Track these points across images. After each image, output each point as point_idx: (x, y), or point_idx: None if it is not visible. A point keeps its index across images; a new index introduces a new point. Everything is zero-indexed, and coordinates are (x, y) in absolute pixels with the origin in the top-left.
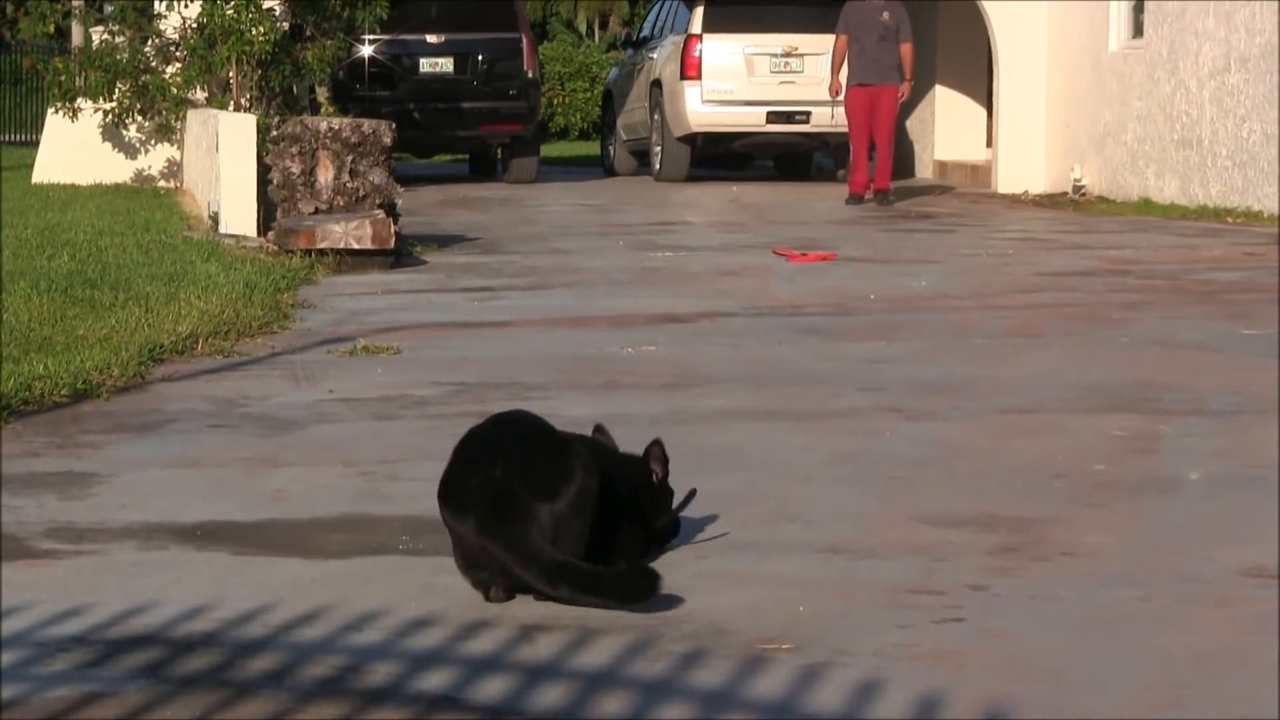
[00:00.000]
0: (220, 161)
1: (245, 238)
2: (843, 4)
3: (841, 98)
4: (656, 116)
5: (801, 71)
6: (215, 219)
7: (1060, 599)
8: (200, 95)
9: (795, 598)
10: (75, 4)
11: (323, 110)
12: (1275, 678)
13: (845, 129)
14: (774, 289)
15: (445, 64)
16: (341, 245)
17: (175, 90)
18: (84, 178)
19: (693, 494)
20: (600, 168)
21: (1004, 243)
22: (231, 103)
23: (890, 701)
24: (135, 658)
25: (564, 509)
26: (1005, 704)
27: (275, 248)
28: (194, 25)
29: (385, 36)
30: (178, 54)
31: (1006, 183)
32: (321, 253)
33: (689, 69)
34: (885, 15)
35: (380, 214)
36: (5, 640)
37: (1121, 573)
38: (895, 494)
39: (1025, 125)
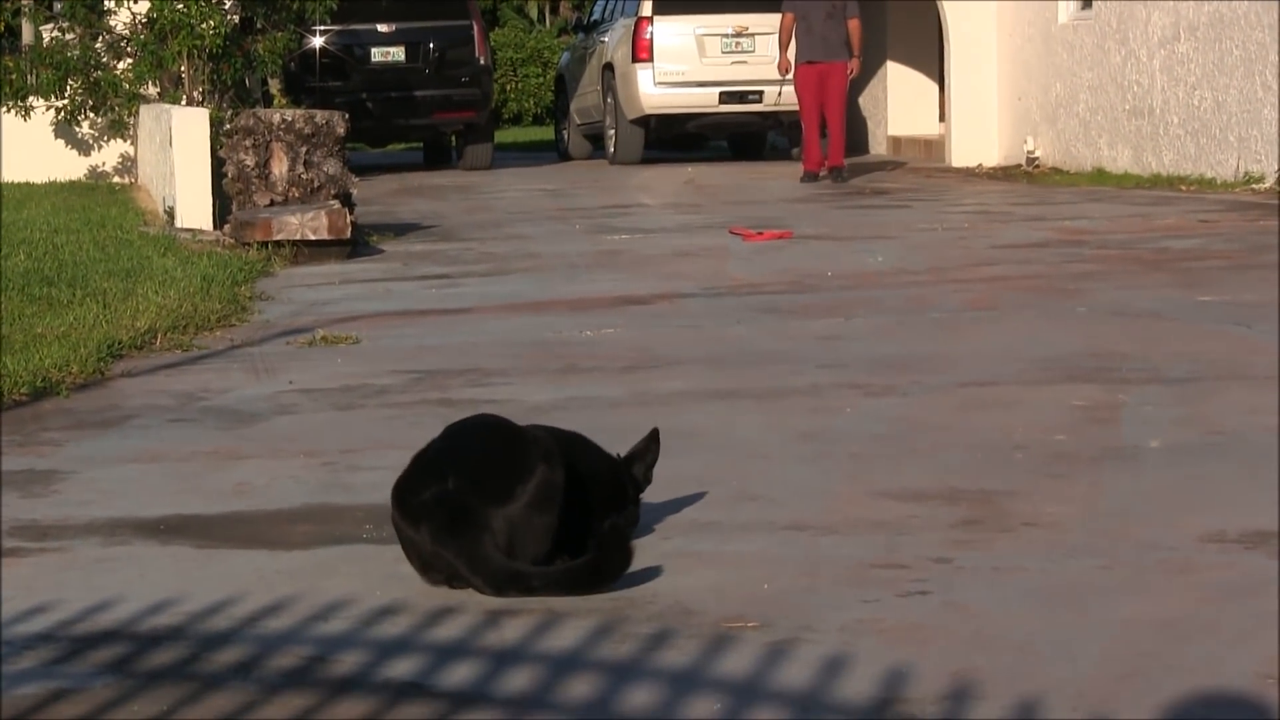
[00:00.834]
0: (174, 156)
1: (201, 232)
2: None
3: (791, 76)
4: (609, 100)
5: (753, 51)
6: (171, 214)
7: (1024, 570)
8: (152, 91)
9: (760, 576)
10: (24, 2)
11: (275, 102)
12: (1238, 644)
13: (797, 107)
14: (731, 269)
15: (397, 53)
16: (298, 236)
17: (127, 86)
18: (37, 175)
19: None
20: (555, 152)
21: (959, 217)
22: (184, 97)
23: (857, 676)
24: (102, 653)
25: (520, 510)
26: (971, 676)
27: (232, 241)
28: (144, 21)
29: (336, 27)
30: (128, 50)
31: (960, 157)
32: (278, 244)
33: (640, 51)
34: None
35: (336, 204)
36: None
37: (1084, 543)
38: (856, 470)
39: (977, 99)
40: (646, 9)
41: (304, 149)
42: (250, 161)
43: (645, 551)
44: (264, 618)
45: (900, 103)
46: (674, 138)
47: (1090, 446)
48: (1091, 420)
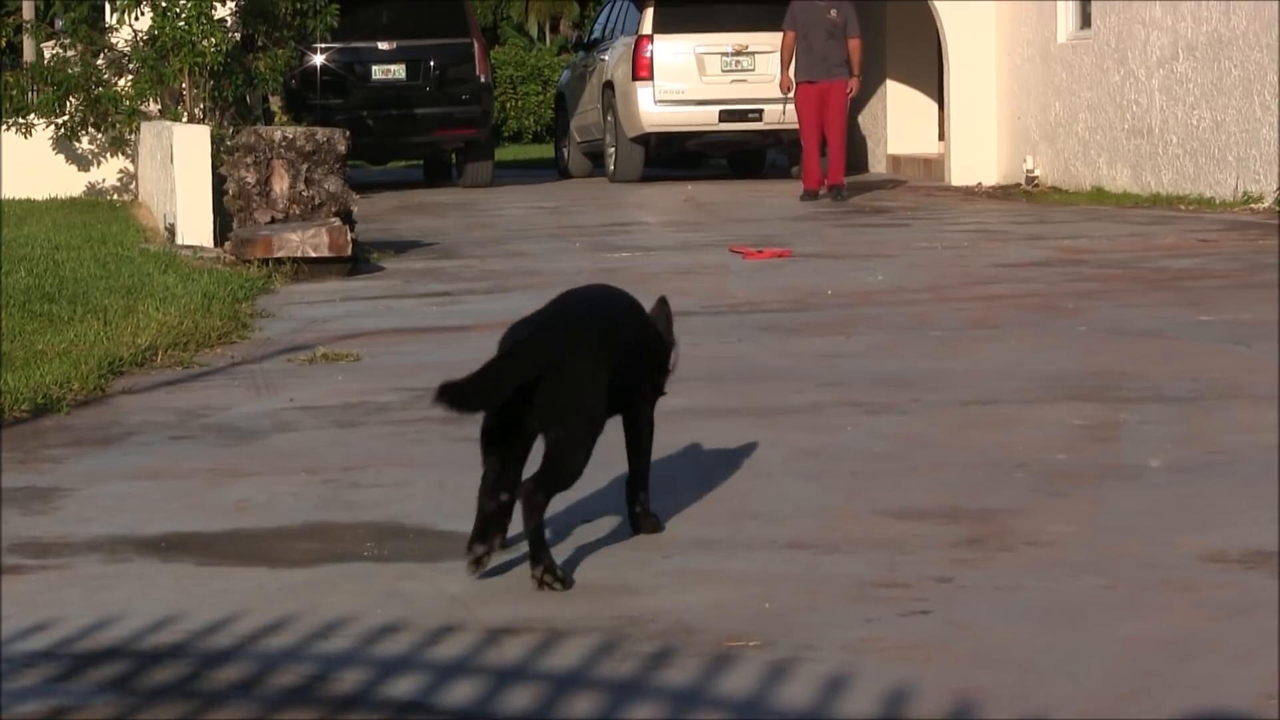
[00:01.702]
0: (175, 173)
1: (202, 249)
2: (790, 2)
3: (792, 95)
4: (609, 118)
5: (753, 70)
6: (171, 230)
7: (1025, 589)
8: (153, 107)
9: (761, 594)
10: (26, 19)
11: (276, 119)
12: (1240, 663)
13: (797, 126)
14: (731, 287)
15: (397, 70)
16: (299, 254)
17: (128, 103)
18: (38, 192)
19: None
20: (555, 170)
21: (959, 235)
22: (185, 114)
23: (859, 696)
24: (103, 671)
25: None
26: (973, 695)
27: (232, 258)
28: (145, 38)
29: (337, 45)
30: (129, 66)
31: (960, 175)
32: (279, 261)
33: (640, 70)
34: (833, 12)
35: (336, 221)
36: None
37: (1085, 561)
38: (858, 489)
39: (977, 118)
40: (647, 27)
41: (305, 166)
42: (251, 179)
43: (646, 568)
44: (265, 635)
45: (900, 121)
46: (674, 155)
47: (1091, 465)
48: (1092, 439)
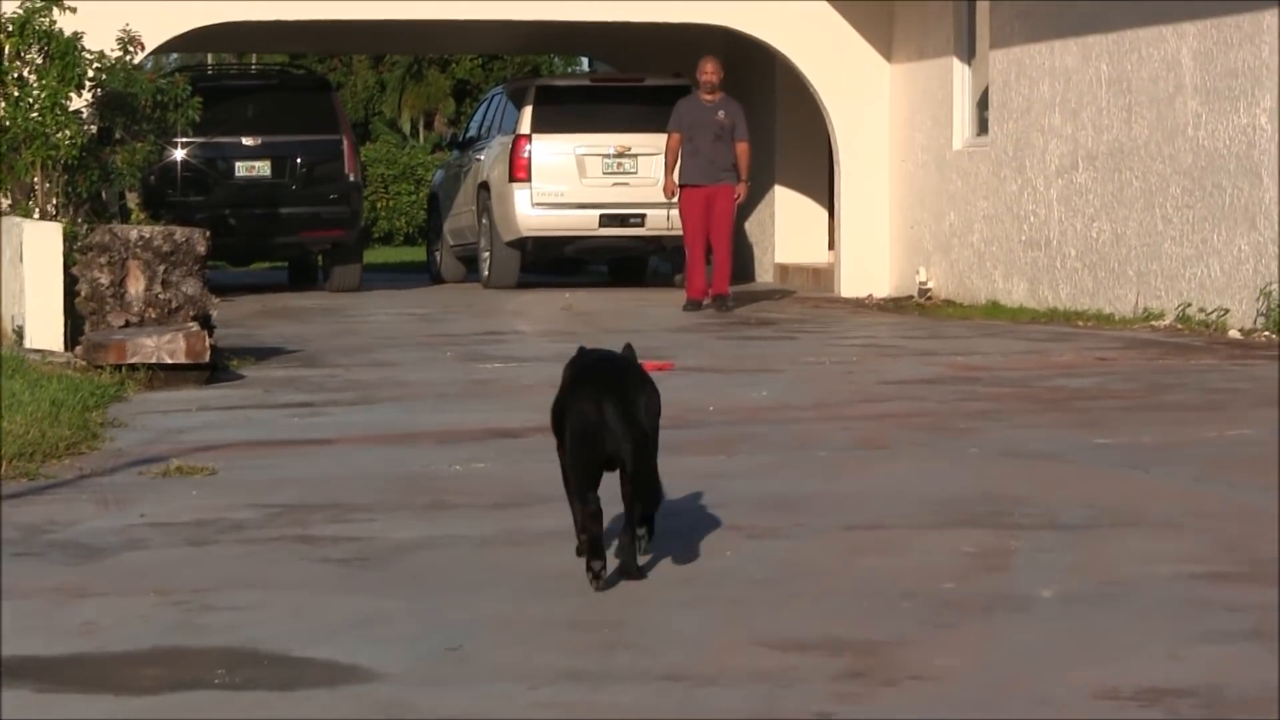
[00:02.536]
0: (25, 272)
1: (51, 353)
2: (676, 102)
3: (676, 199)
4: (485, 220)
5: (635, 172)
6: (20, 333)
7: None
8: (4, 202)
9: None
10: None
11: (133, 217)
12: None
13: (680, 232)
14: None
15: (262, 167)
16: (154, 360)
17: None
18: None
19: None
20: (427, 274)
21: (848, 349)
22: (36, 210)
23: None
24: None
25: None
26: None
27: (84, 363)
28: None
29: (199, 139)
30: None
31: (850, 286)
32: (133, 368)
33: (518, 170)
34: (720, 114)
35: (194, 326)
36: None
37: (972, 697)
38: (737, 617)
39: (868, 227)
40: (525, 126)
41: (162, 267)
42: (105, 279)
43: (513, 701)
44: None
45: (788, 229)
46: (552, 261)
47: (981, 594)
48: (983, 567)
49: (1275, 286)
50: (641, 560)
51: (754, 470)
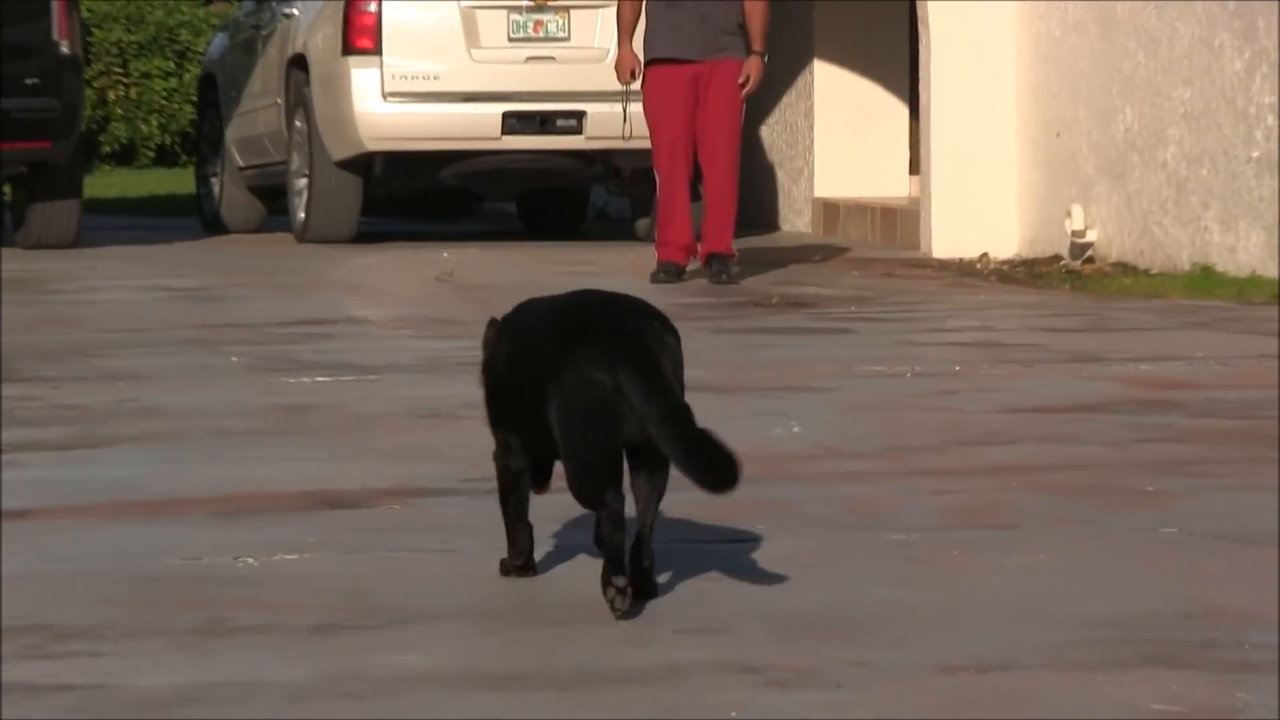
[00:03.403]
0: None
1: None
2: None
3: (639, 85)
4: (300, 123)
5: (565, 38)
6: None
7: None
8: None
9: None
10: None
11: None
12: None
13: (647, 145)
14: None
15: None
16: None
17: None
18: None
19: None
20: (197, 218)
21: (944, 352)
22: None
23: None
24: None
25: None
26: None
27: None
28: None
29: None
30: None
31: (948, 240)
32: None
33: (358, 35)
34: None
35: None
36: None
37: None
38: None
39: (979, 136)
40: None
41: None
42: None
43: None
44: None
45: (837, 140)
46: (418, 196)
47: None
48: None
49: None
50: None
51: (777, 563)
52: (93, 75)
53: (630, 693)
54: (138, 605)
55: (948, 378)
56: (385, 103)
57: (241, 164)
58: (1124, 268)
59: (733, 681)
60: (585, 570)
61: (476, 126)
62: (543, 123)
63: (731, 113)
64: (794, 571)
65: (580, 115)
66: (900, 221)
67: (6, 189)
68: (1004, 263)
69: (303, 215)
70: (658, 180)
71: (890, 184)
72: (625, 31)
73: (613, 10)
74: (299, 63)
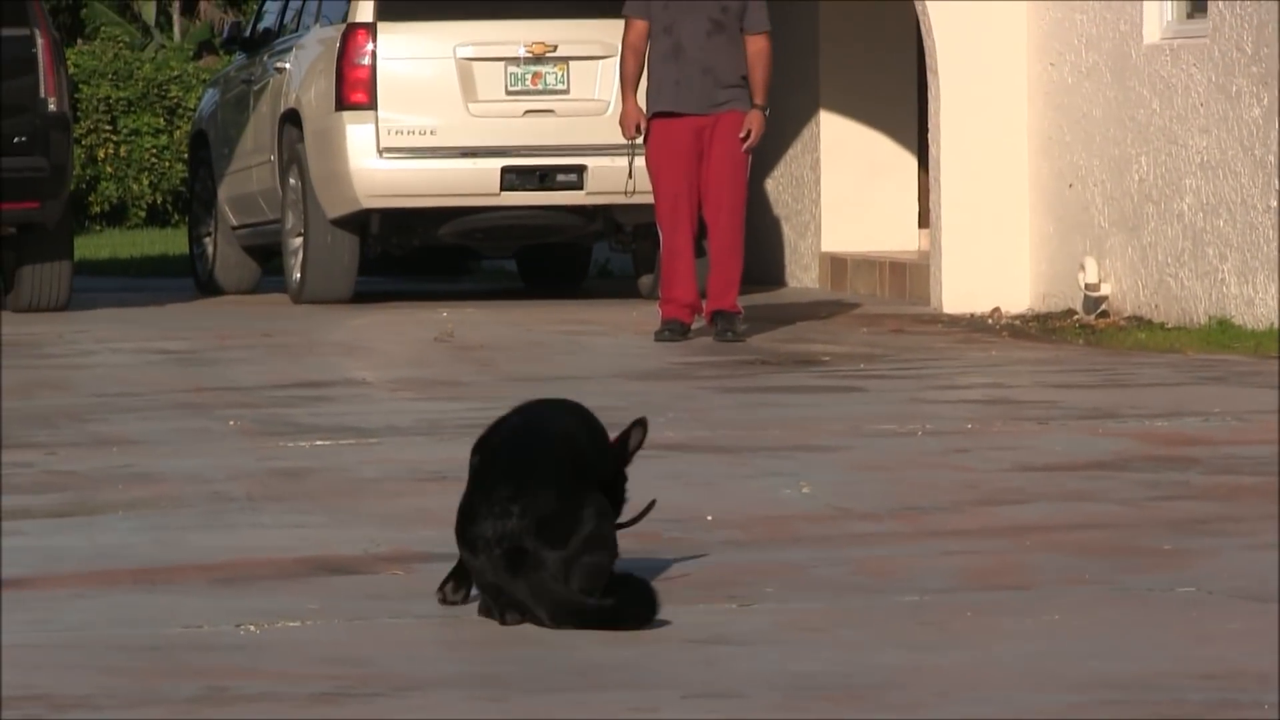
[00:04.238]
0: None
1: None
2: None
3: (642, 140)
4: (294, 180)
5: (565, 91)
6: None
7: None
8: None
9: None
10: None
11: None
12: None
13: (650, 200)
14: None
15: None
16: None
17: None
18: None
19: (651, 505)
20: (190, 279)
21: (956, 410)
22: None
23: None
24: None
25: (573, 554)
26: None
27: None
28: None
29: None
30: None
31: (958, 295)
32: None
33: (352, 90)
34: None
35: None
36: None
37: None
38: None
39: (990, 187)
40: (365, 13)
41: None
42: None
43: None
44: None
45: (845, 193)
46: (416, 254)
47: None
48: None
49: None
50: None
51: (786, 629)
52: (81, 133)
53: None
54: (137, 674)
55: (960, 436)
56: (381, 159)
57: (235, 223)
58: (1139, 321)
59: None
60: (589, 637)
61: (475, 182)
62: (542, 178)
63: (735, 166)
64: (803, 635)
65: (581, 170)
66: (910, 276)
67: None
68: (1016, 317)
69: (298, 275)
70: (660, 236)
71: (899, 238)
72: (629, 85)
73: (612, 61)
74: (292, 118)
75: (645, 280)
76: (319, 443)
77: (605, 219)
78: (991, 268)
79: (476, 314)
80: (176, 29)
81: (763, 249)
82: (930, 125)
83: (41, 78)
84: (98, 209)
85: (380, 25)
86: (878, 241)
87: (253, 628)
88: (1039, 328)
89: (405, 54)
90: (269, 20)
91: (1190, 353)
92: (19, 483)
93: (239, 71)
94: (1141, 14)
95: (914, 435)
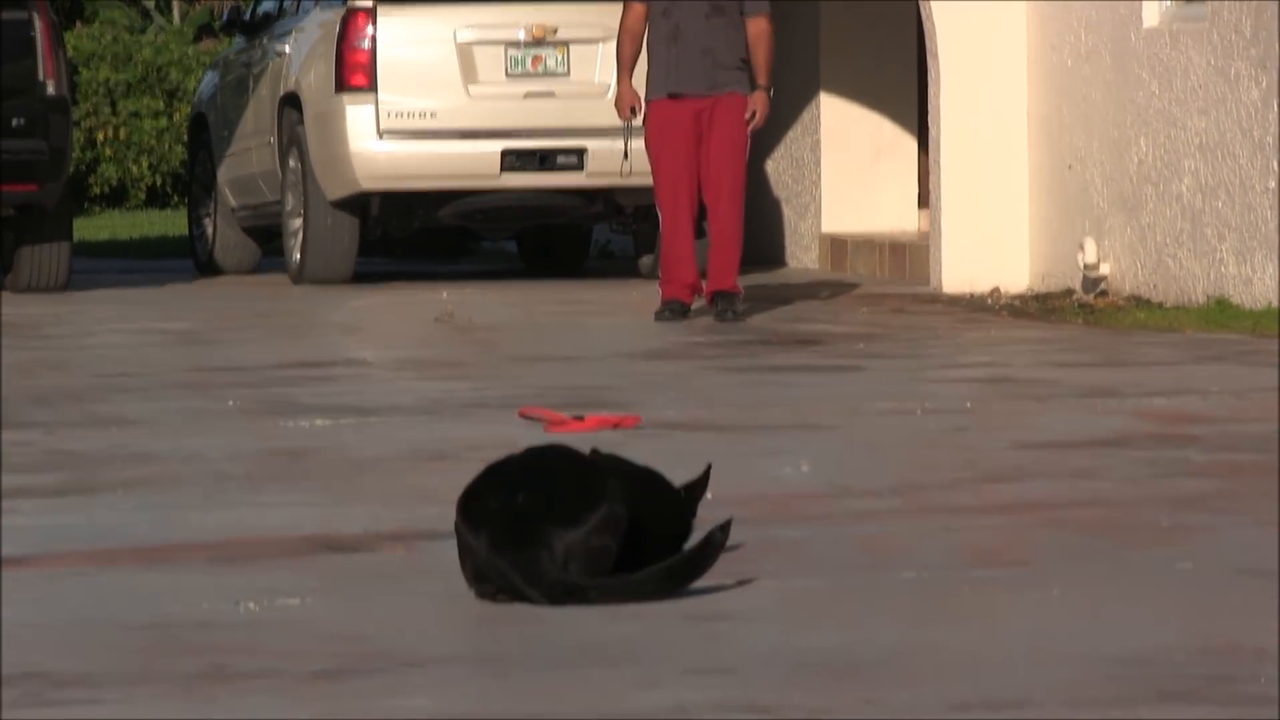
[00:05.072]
0: None
1: None
2: None
3: (641, 121)
4: (294, 163)
5: (564, 74)
6: None
7: None
8: None
9: None
10: None
11: None
12: None
13: (650, 181)
14: None
15: None
16: None
17: None
18: None
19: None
20: (190, 260)
21: (956, 389)
22: None
23: None
24: None
25: (581, 536)
26: None
27: None
28: None
29: None
30: None
31: (958, 275)
32: None
33: (352, 72)
34: None
35: None
36: None
37: None
38: None
39: (990, 169)
40: None
41: None
42: None
43: None
44: None
45: (845, 175)
46: (416, 235)
47: None
48: None
49: None
50: None
51: (787, 608)
52: (80, 116)
53: None
54: (137, 652)
55: (959, 414)
56: (381, 141)
57: (235, 205)
58: (1138, 301)
59: None
60: (591, 613)
61: (475, 164)
62: (543, 160)
63: (735, 148)
64: (805, 612)
65: (581, 152)
66: (910, 256)
67: None
68: (1016, 297)
69: (298, 256)
70: (660, 217)
71: (899, 218)
72: (625, 67)
73: (613, 44)
74: (292, 101)
75: (645, 261)
76: (319, 422)
77: (606, 201)
78: (991, 248)
79: (477, 295)
80: (176, 12)
81: (763, 230)
82: (930, 107)
83: (40, 61)
84: (97, 191)
85: (380, 8)
86: (878, 222)
87: (253, 606)
88: (1038, 307)
89: (405, 37)
90: (268, 4)
91: (1189, 331)
92: (19, 462)
93: (238, 55)
94: (1140, 3)
95: (914, 414)
